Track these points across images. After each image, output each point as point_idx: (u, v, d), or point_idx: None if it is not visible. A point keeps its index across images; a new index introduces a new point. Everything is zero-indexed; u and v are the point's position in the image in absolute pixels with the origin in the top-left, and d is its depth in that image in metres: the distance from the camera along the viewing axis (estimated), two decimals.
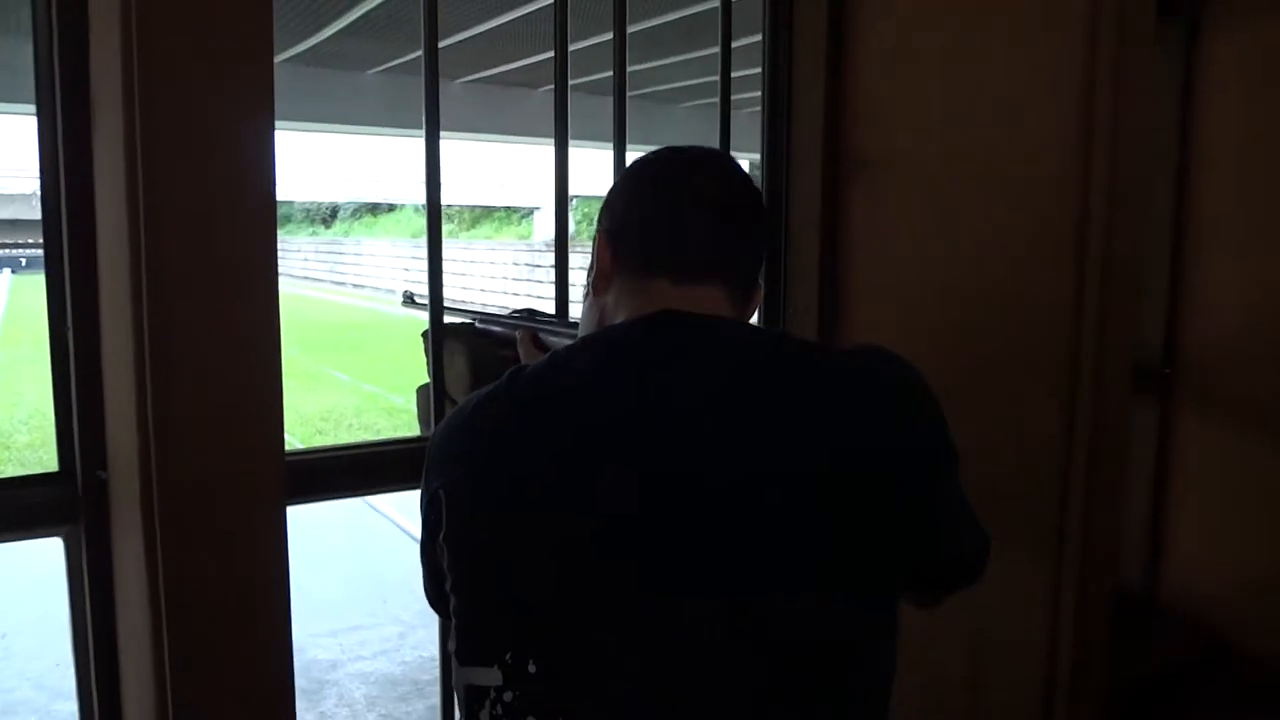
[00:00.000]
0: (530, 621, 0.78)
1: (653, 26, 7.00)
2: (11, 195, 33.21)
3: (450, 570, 0.83)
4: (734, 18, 1.68)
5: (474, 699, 0.80)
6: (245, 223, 0.83)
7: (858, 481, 0.79)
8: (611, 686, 0.76)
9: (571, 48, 1.54)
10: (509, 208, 34.35)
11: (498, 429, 0.83)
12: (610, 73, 1.60)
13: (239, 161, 0.82)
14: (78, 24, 1.09)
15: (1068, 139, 1.34)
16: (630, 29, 1.56)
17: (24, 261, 34.98)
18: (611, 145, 1.55)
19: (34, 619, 4.66)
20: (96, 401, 1.15)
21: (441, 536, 0.83)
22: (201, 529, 0.88)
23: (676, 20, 6.83)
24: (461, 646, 0.82)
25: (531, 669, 0.77)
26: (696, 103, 11.10)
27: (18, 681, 4.07)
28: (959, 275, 1.50)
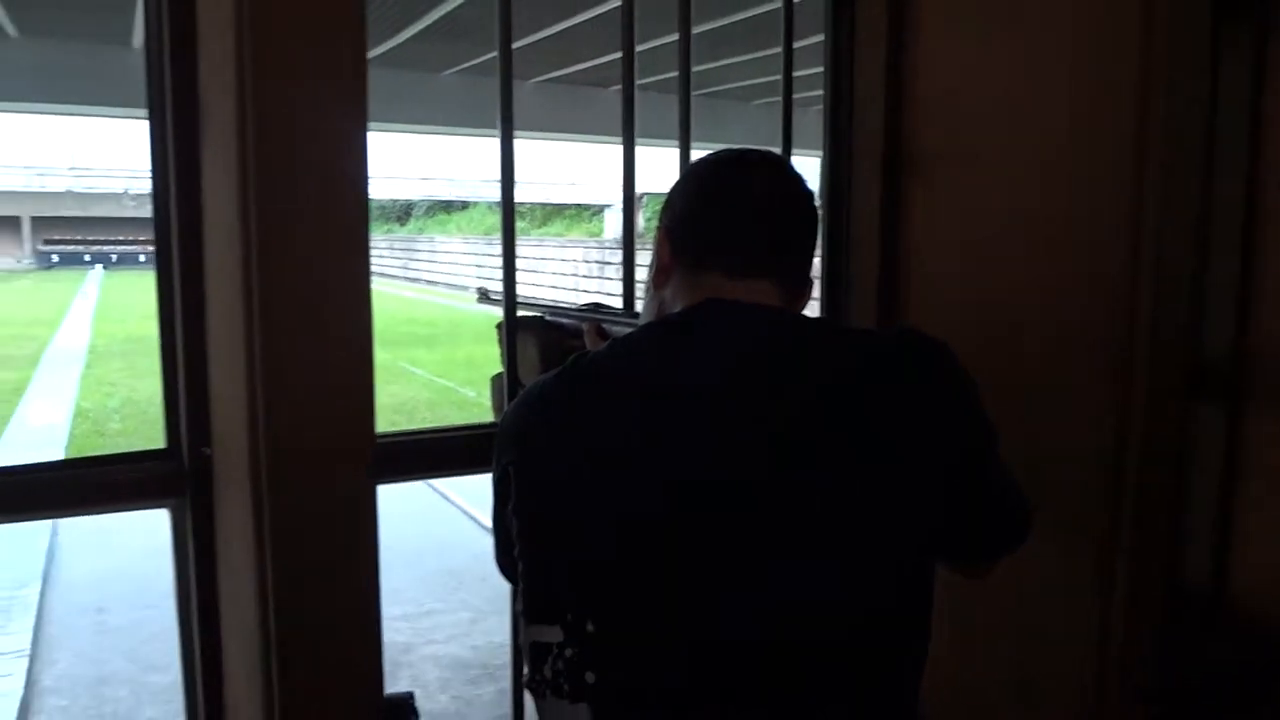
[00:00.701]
0: (589, 584, 0.85)
1: (723, 25, 7.04)
2: (103, 194, 34.52)
3: (518, 538, 0.91)
4: (801, 16, 1.73)
5: (538, 655, 0.88)
6: (341, 218, 0.91)
7: (889, 460, 0.84)
8: (662, 645, 0.83)
9: (643, 47, 1.60)
10: (580, 205, 34.62)
11: (562, 408, 0.91)
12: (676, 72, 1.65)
13: (336, 160, 0.90)
14: (187, 30, 1.19)
15: (1124, 137, 1.35)
16: (699, 28, 1.62)
17: (114, 258, 36.32)
18: (678, 144, 1.61)
19: (128, 594, 4.90)
20: (201, 384, 1.26)
21: (511, 507, 0.91)
22: (303, 502, 0.96)
23: (745, 18, 6.86)
24: (527, 606, 0.90)
25: (590, 628, 0.84)
26: (769, 100, 11.11)
27: (112, 654, 4.29)
28: (1015, 272, 1.52)
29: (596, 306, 1.55)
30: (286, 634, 0.97)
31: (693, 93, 1.63)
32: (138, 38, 7.40)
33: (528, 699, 1.17)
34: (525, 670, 0.91)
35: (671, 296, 0.99)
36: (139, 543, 5.48)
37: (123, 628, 4.55)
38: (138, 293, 23.08)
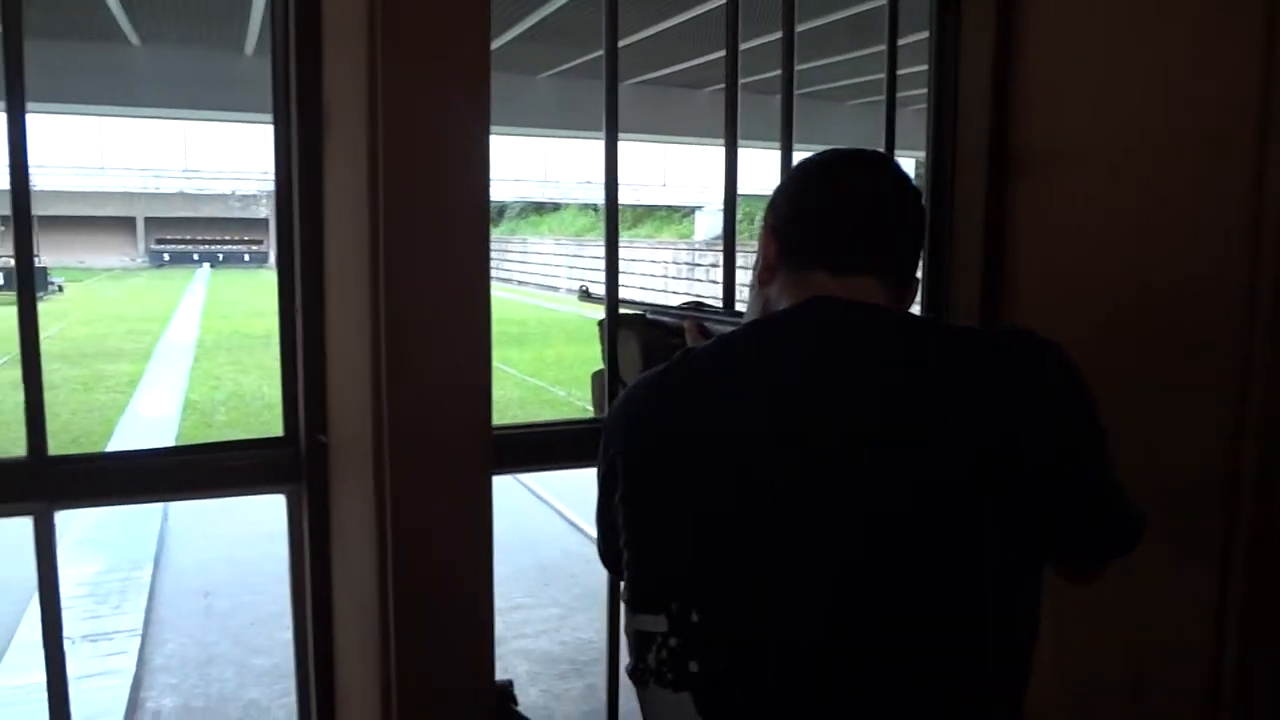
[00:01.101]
0: (693, 575, 0.87)
1: (817, 26, 6.99)
2: (211, 195, 35.89)
3: (624, 527, 0.92)
4: (902, 15, 1.72)
5: (642, 643, 0.90)
6: (463, 218, 0.95)
7: (994, 460, 0.84)
8: (763, 638, 0.84)
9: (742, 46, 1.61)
10: (670, 207, 34.69)
11: (668, 403, 0.93)
12: (776, 72, 1.66)
13: (461, 161, 0.93)
14: (312, 38, 1.24)
15: (1242, 136, 1.31)
16: (798, 28, 1.62)
17: (220, 256, 37.77)
18: (779, 144, 1.61)
19: (232, 580, 5.10)
20: (319, 374, 1.31)
21: (618, 497, 0.93)
22: (423, 489, 1.00)
23: (842, 18, 6.80)
24: (632, 595, 0.92)
25: (695, 618, 0.85)
26: (864, 100, 10.98)
27: (219, 636, 4.47)
28: (1126, 272, 1.49)
29: (697, 305, 1.57)
30: (404, 616, 1.01)
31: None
32: (250, 45, 7.70)
33: (624, 691, 1.20)
34: (629, 659, 0.93)
35: (777, 294, 1.00)
36: (242, 531, 5.71)
37: (228, 612, 4.74)
38: (242, 290, 23.99)
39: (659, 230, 34.21)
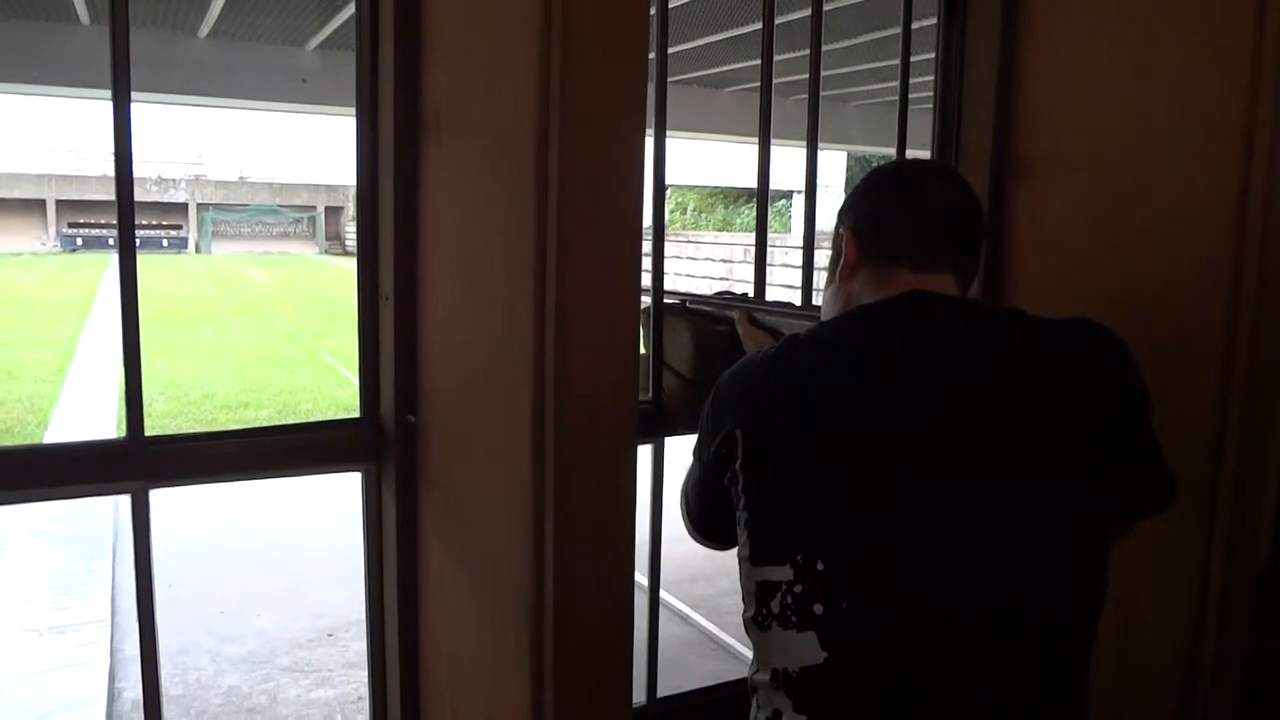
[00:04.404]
0: (819, 530, 0.99)
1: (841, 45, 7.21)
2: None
3: (745, 492, 1.04)
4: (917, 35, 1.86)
5: (766, 592, 1.01)
6: (619, 219, 1.05)
7: (1087, 426, 0.99)
8: (886, 577, 0.97)
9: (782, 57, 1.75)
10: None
11: (787, 380, 1.04)
12: (792, 77, 1.79)
13: (616, 162, 1.03)
14: (413, 52, 1.34)
15: (1230, 144, 1.45)
16: (829, 46, 1.75)
17: (138, 242, 36.49)
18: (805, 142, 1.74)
19: (194, 570, 5.06)
20: (410, 359, 1.40)
21: (738, 465, 1.04)
22: (573, 462, 1.10)
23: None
24: (755, 551, 1.03)
25: (820, 566, 0.98)
26: (865, 102, 11.42)
27: (187, 625, 4.44)
28: (1120, 274, 1.61)
29: (728, 294, 1.69)
30: (562, 589, 1.10)
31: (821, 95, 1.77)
32: (206, 28, 7.57)
33: None
34: (748, 608, 1.05)
35: (859, 288, 1.12)
36: (197, 522, 5.66)
37: (193, 601, 4.70)
38: (164, 277, 23.31)
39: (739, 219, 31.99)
